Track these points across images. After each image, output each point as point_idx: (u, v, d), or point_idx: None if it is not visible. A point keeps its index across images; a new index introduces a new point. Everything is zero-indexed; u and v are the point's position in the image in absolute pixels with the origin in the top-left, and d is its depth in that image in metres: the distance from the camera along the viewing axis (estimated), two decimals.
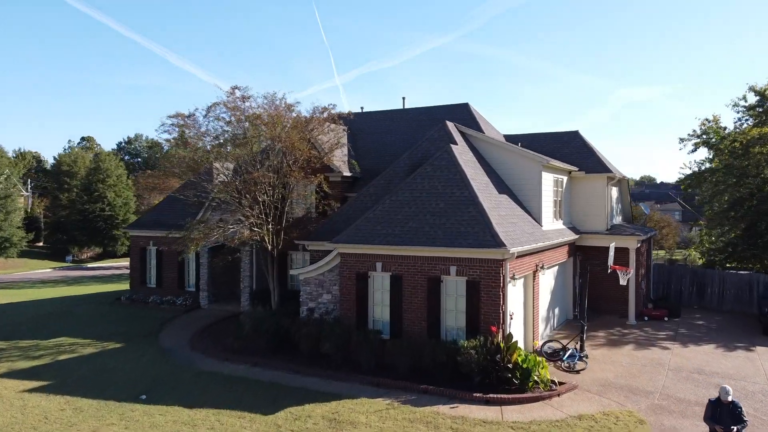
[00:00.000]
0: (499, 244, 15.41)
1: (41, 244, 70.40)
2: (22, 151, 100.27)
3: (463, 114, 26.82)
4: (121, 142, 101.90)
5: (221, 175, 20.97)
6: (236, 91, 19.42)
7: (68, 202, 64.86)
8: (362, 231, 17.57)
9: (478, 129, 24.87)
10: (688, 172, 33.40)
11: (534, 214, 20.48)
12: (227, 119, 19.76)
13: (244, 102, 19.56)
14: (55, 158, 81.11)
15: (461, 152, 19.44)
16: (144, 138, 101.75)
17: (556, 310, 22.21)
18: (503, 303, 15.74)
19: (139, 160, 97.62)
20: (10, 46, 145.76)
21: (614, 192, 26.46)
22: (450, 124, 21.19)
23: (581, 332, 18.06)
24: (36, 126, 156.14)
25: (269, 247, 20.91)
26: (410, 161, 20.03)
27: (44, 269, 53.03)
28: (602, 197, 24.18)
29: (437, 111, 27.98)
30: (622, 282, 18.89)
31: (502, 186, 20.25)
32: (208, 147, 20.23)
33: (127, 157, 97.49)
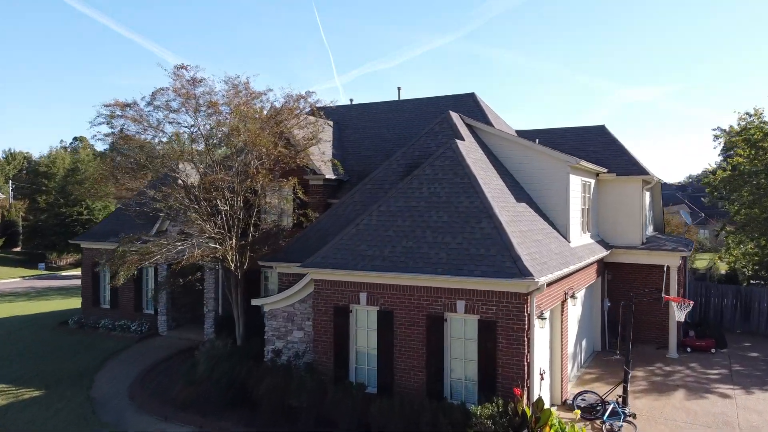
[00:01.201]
0: (523, 272, 11.38)
1: (18, 249, 66.49)
2: (12, 151, 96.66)
3: (468, 105, 22.78)
4: (113, 143, 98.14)
5: (179, 179, 16.89)
6: (183, 71, 15.35)
7: (46, 205, 60.95)
8: (342, 251, 13.54)
9: (487, 122, 20.84)
10: (715, 172, 29.43)
11: (559, 226, 16.44)
12: (176, 108, 15.71)
13: (195, 87, 15.50)
14: (33, 159, 77.34)
15: (469, 149, 15.40)
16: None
17: (583, 343, 18.18)
18: (528, 351, 11.70)
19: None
20: (8, 46, 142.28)
21: (646, 197, 22.41)
22: (454, 115, 17.14)
23: (624, 380, 14.02)
24: (33, 127, 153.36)
25: (232, 267, 16.88)
26: (405, 161, 15.98)
27: (13, 278, 48.96)
28: (636, 205, 20.12)
29: (439, 102, 23.93)
30: (680, 318, 14.82)
31: (519, 191, 16.22)
32: (156, 143, 16.20)
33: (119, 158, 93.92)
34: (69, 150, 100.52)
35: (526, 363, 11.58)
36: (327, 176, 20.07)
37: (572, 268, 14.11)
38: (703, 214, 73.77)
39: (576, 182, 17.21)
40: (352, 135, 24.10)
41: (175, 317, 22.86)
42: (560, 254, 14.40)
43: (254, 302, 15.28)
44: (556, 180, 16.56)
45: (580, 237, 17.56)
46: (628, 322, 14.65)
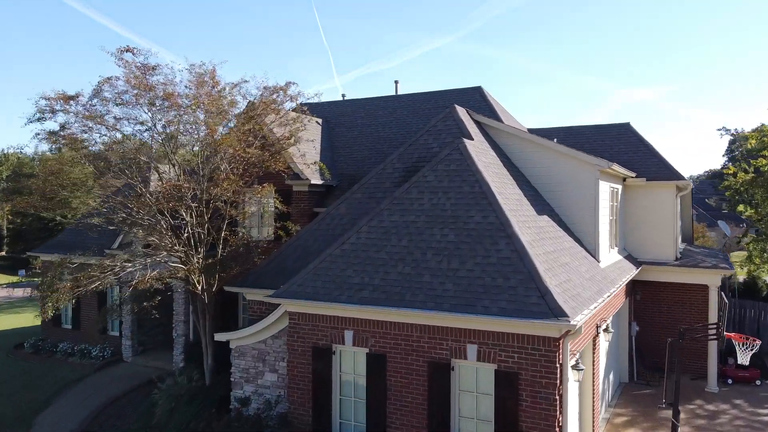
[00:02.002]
0: (555, 311, 8.72)
1: (3, 253, 63.96)
2: (5, 152, 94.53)
3: (475, 100, 20.14)
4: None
5: (138, 186, 14.20)
6: (128, 55, 12.65)
7: (27, 208, 58.30)
8: (323, 278, 10.87)
9: (494, 117, 18.22)
10: (736, 174, 26.77)
11: (586, 242, 13.80)
12: (127, 101, 13.03)
13: (148, 75, 12.81)
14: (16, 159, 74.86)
15: (479, 150, 12.74)
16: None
17: (610, 376, 15.52)
18: (561, 413, 9.04)
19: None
20: (4, 45, 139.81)
21: (678, 205, 19.74)
22: (460, 110, 14.48)
23: None
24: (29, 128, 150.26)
25: (198, 289, 14.23)
26: (403, 164, 13.30)
27: None
28: (669, 214, 17.45)
29: (441, 97, 21.27)
30: (743, 361, 12.14)
31: (539, 201, 13.57)
32: (97, 142, 13.53)
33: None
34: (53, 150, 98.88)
35: (557, 428, 8.92)
36: (312, 181, 17.41)
37: (607, 296, 11.46)
38: (708, 216, 71.42)
39: (605, 189, 14.56)
40: (344, 134, 21.44)
41: (142, 340, 20.16)
42: (592, 279, 11.75)
43: (218, 337, 12.59)
44: (582, 187, 13.90)
45: (609, 253, 14.91)
46: (675, 363, 11.94)
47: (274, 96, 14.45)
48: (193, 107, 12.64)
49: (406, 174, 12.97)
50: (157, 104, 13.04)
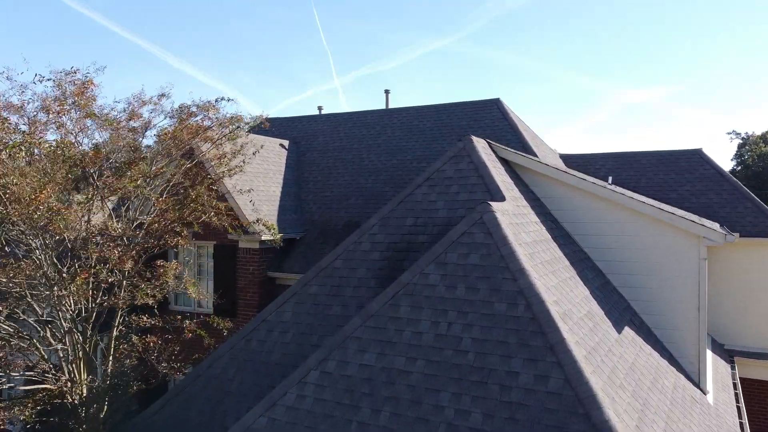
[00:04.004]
0: None
1: None
2: None
3: (492, 116, 15.02)
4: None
5: None
6: None
7: None
8: None
9: (523, 145, 13.15)
10: None
11: (681, 355, 8.66)
12: None
13: None
14: None
15: (515, 224, 7.53)
16: None
17: None
18: None
19: None
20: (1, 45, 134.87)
21: None
22: (479, 143, 9.24)
23: None
24: None
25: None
26: (388, 235, 8.05)
27: None
28: None
29: (449, 112, 16.09)
30: None
31: (607, 290, 8.41)
32: None
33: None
34: None
35: None
36: (265, 237, 12.25)
37: None
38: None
39: (704, 268, 9.38)
40: (316, 161, 16.26)
41: None
42: None
43: None
44: (675, 269, 8.73)
45: (710, 368, 9.74)
46: None
47: (191, 120, 9.28)
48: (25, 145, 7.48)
49: (391, 259, 7.79)
50: None
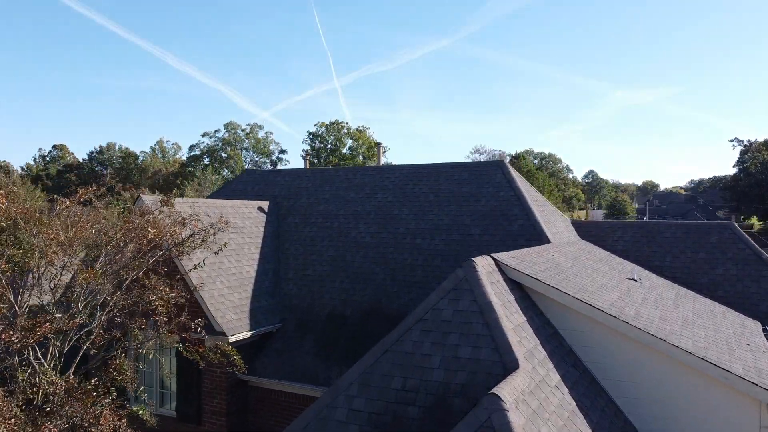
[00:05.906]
0: None
1: None
2: None
3: (495, 183, 13.27)
4: (92, 152, 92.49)
5: None
6: None
7: None
8: None
9: (533, 225, 11.47)
10: None
11: None
12: None
13: None
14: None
15: (532, 407, 5.84)
16: (118, 147, 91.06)
17: None
18: None
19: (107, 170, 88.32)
20: None
21: None
22: (483, 272, 7.47)
23: None
24: (25, 131, 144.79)
25: None
26: (365, 424, 6.35)
27: None
28: None
29: (447, 175, 14.27)
30: None
31: None
32: None
33: (98, 168, 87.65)
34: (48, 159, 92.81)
35: None
36: (232, 337, 10.53)
37: None
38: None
39: None
40: (300, 229, 14.51)
41: None
42: None
43: None
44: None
45: None
46: None
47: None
48: None
49: None
50: None
